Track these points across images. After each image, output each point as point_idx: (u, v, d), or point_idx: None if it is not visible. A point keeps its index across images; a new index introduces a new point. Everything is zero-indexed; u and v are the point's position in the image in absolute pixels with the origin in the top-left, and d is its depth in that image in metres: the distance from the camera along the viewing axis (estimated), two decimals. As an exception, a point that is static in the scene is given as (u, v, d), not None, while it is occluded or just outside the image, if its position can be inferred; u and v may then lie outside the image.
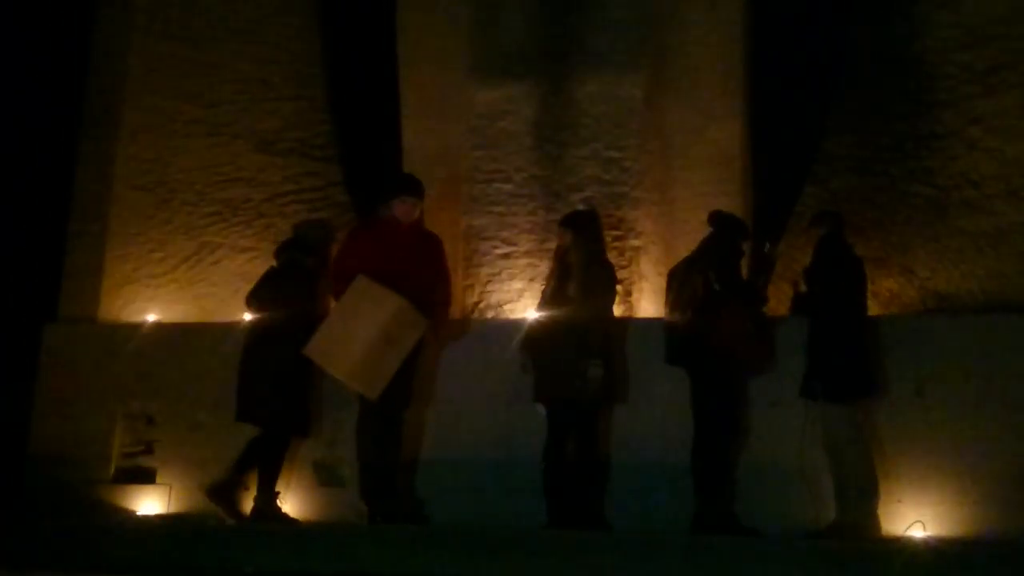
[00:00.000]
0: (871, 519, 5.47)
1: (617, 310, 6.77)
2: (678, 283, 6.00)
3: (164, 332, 7.05)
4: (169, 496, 6.61)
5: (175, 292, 7.37)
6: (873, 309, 6.53)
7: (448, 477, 6.16)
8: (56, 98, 8.21)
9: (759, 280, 6.19)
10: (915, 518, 5.64)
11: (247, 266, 7.39)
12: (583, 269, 6.02)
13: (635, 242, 6.97)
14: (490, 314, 6.93)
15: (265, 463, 6.11)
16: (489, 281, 7.07)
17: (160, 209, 7.51)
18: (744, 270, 6.36)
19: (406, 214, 6.26)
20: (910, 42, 6.93)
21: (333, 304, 6.24)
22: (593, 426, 5.91)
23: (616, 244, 6.94)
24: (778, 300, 6.34)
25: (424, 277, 6.10)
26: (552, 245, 6.81)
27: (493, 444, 6.20)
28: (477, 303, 7.04)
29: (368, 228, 6.38)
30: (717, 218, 6.13)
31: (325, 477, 6.48)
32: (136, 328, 7.12)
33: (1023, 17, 6.57)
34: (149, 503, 6.61)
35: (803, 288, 5.94)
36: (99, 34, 7.84)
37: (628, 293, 6.91)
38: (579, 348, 5.76)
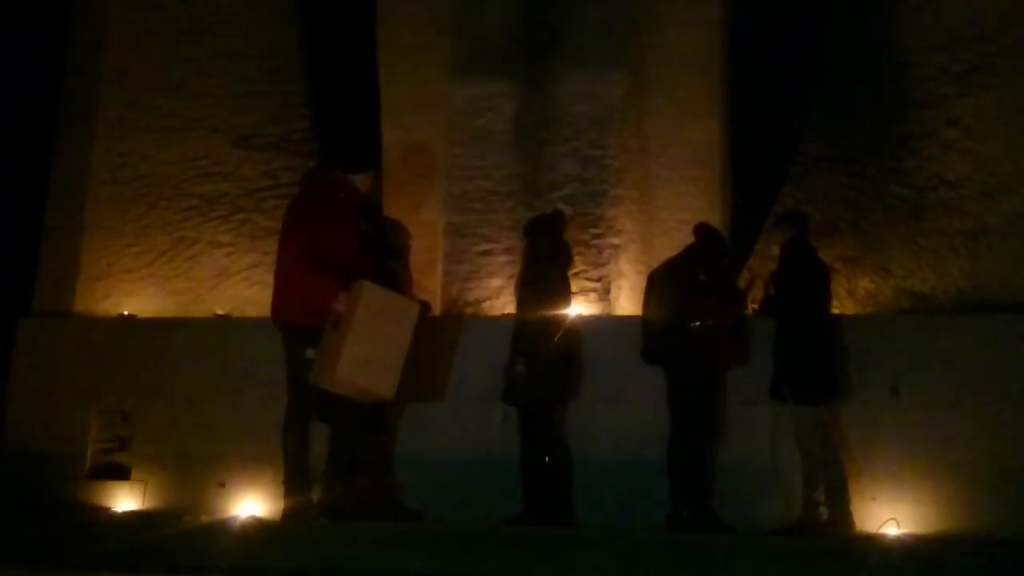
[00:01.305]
0: (843, 517, 5.52)
1: (595, 307, 6.80)
2: (661, 282, 6.02)
3: (140, 327, 7.00)
4: (144, 492, 6.56)
5: (151, 287, 7.32)
6: (849, 308, 6.58)
7: (425, 473, 6.13)
8: (33, 91, 8.13)
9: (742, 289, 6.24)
10: (890, 516, 5.68)
11: (224, 261, 7.36)
12: (525, 272, 6.12)
13: (614, 240, 6.99)
14: (469, 311, 6.92)
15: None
16: (468, 278, 7.06)
17: (136, 203, 7.47)
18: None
19: (368, 188, 5.87)
20: (889, 43, 6.97)
21: (350, 322, 5.33)
22: (542, 424, 5.89)
23: (595, 242, 6.96)
24: (753, 299, 6.37)
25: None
26: (530, 243, 6.84)
27: (471, 441, 6.18)
28: (456, 300, 7.04)
29: (330, 201, 5.65)
30: (702, 230, 6.15)
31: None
32: (111, 323, 7.07)
33: (999, 20, 6.62)
34: (124, 500, 6.55)
35: (772, 291, 5.98)
36: (77, 27, 7.78)
37: (607, 291, 6.92)
38: (512, 349, 5.90)
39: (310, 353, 5.47)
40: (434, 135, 7.30)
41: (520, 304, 6.09)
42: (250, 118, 7.65)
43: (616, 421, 6.12)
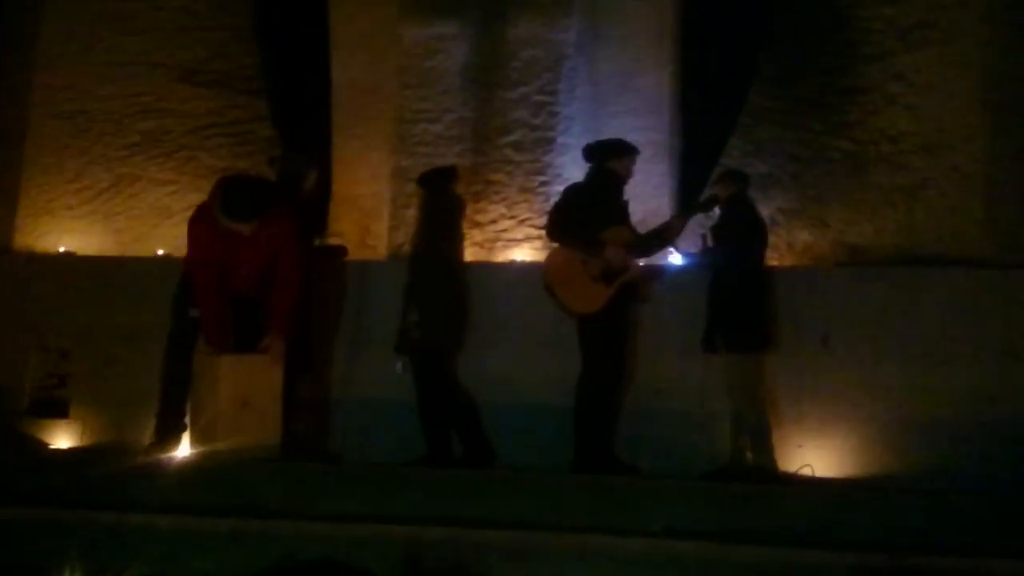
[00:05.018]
0: (767, 462, 5.67)
1: (541, 255, 6.82)
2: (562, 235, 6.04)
3: (80, 264, 6.94)
4: (83, 431, 6.57)
5: (92, 224, 7.26)
6: (787, 260, 6.67)
7: (359, 415, 6.19)
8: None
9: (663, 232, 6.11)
10: (814, 462, 5.82)
11: (166, 199, 7.30)
12: (419, 222, 6.18)
13: (561, 188, 6.99)
14: (416, 255, 6.91)
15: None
16: (415, 222, 7.04)
17: (78, 139, 7.36)
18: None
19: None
20: (837, -4, 6.97)
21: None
22: (435, 372, 5.97)
23: (542, 190, 6.97)
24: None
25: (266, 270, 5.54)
26: (476, 189, 6.85)
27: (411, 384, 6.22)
28: (402, 245, 7.04)
29: (212, 234, 5.38)
30: (588, 152, 6.06)
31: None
32: (51, 260, 7.02)
33: (946, -26, 6.64)
34: (63, 437, 6.55)
35: (710, 243, 6.04)
36: (16, -43, 7.58)
37: (554, 238, 6.93)
38: (404, 298, 5.98)
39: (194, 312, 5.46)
40: (384, 77, 7.23)
41: (413, 254, 6.14)
42: (196, 53, 7.52)
43: (555, 366, 6.17)
